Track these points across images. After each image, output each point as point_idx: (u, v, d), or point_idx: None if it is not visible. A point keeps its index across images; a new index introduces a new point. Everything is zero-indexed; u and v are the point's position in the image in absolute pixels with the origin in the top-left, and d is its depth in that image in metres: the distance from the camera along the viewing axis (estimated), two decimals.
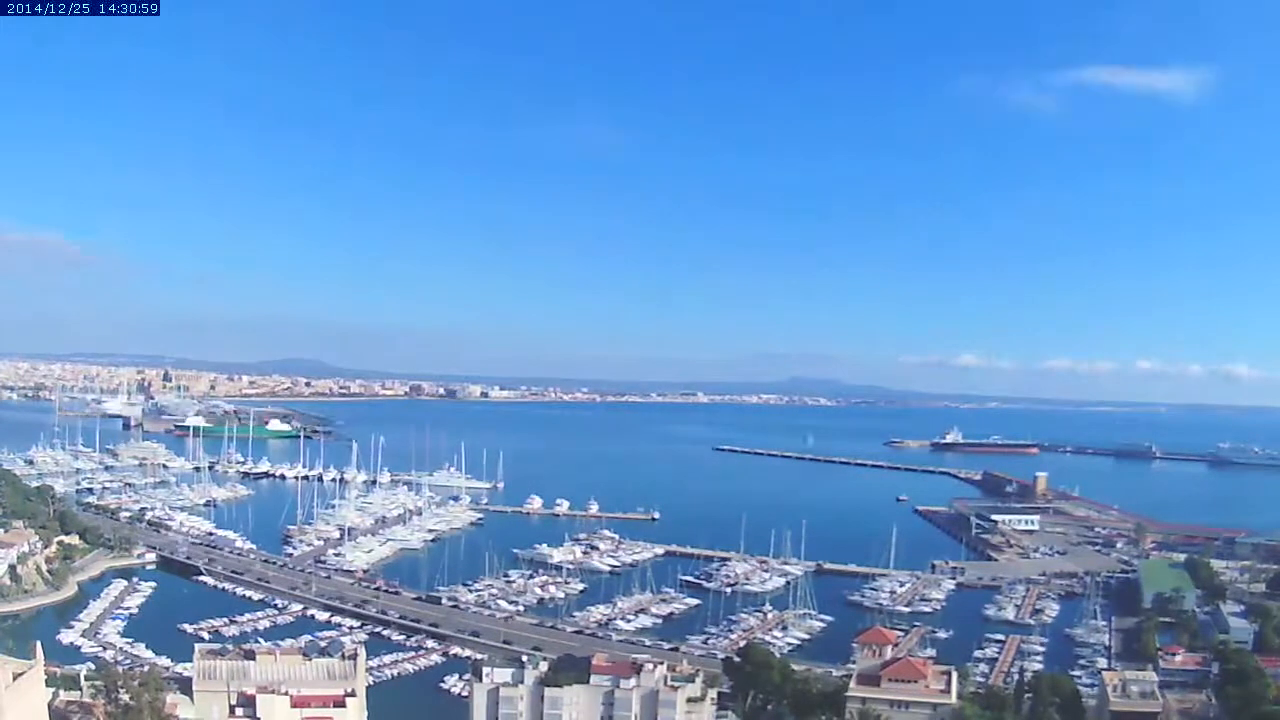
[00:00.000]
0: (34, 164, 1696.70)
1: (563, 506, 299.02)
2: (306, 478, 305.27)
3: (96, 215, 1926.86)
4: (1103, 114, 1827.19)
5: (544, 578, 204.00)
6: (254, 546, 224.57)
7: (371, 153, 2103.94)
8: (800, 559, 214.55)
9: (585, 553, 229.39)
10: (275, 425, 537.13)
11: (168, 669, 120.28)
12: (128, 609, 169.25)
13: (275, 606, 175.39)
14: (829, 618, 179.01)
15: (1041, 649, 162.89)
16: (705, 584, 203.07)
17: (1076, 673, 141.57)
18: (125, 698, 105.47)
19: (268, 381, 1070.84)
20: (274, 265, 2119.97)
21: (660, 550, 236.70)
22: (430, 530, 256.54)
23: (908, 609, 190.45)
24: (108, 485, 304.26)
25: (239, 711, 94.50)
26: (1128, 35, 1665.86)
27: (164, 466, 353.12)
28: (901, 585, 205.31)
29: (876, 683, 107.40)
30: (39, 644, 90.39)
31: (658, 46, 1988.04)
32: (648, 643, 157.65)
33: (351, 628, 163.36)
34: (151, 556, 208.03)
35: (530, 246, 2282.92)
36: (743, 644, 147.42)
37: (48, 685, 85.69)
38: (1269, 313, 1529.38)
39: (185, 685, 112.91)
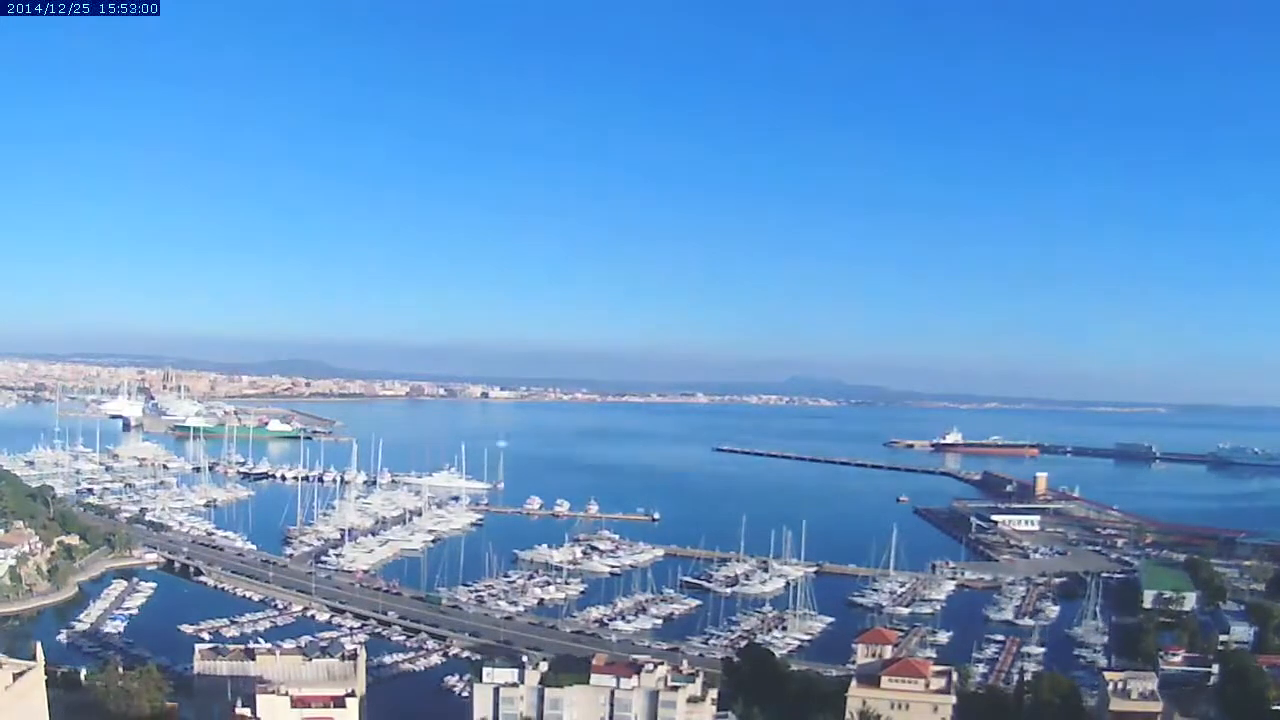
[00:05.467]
0: (33, 163, 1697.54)
1: (563, 507, 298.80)
2: (306, 478, 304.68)
3: (98, 214, 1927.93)
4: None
5: (544, 578, 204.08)
6: (254, 547, 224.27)
7: (369, 150, 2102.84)
8: (800, 560, 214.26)
9: (585, 553, 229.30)
10: (275, 426, 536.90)
11: (168, 669, 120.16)
12: (128, 609, 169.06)
13: (275, 606, 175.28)
14: (829, 618, 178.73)
15: (1041, 649, 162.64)
16: (705, 585, 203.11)
17: (1076, 673, 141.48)
18: (125, 698, 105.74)
19: (268, 382, 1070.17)
20: (274, 265, 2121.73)
21: (660, 551, 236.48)
22: (430, 531, 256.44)
23: (908, 610, 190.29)
24: (108, 486, 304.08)
25: (239, 712, 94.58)
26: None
27: (164, 467, 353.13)
28: (901, 586, 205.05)
29: (876, 683, 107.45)
30: (39, 644, 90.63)
31: (652, 45, 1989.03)
32: (648, 643, 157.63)
33: (352, 628, 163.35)
34: (152, 557, 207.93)
35: (529, 246, 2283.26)
36: (743, 645, 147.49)
37: (48, 685, 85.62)
38: None
39: (185, 685, 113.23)
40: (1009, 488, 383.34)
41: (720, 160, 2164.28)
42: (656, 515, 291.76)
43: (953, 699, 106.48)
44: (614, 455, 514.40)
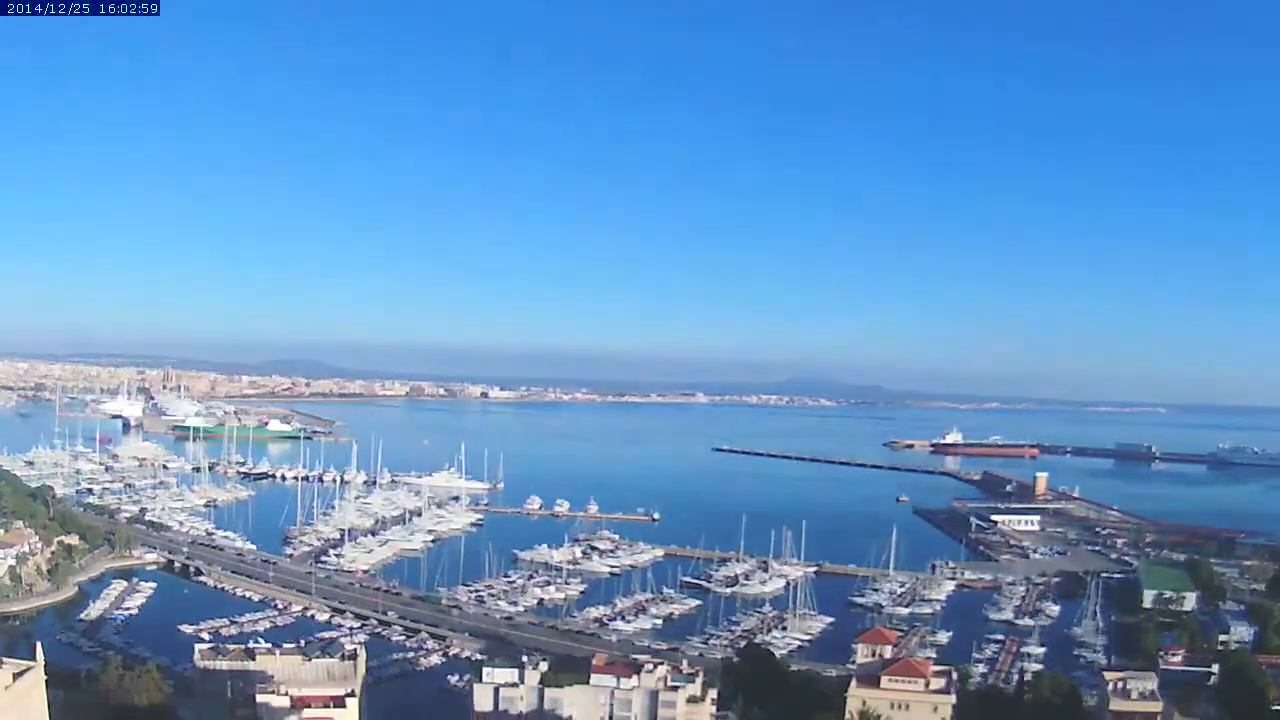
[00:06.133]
0: (33, 163, 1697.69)
1: (563, 507, 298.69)
2: (306, 478, 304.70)
3: (98, 214, 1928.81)
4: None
5: (544, 578, 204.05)
6: (254, 547, 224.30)
7: (369, 151, 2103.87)
8: (800, 560, 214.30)
9: (585, 554, 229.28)
10: (275, 426, 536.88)
11: (168, 669, 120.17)
12: (128, 609, 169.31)
13: (275, 606, 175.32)
14: (829, 618, 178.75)
15: (1041, 649, 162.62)
16: (705, 585, 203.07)
17: (1076, 673, 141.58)
18: (125, 698, 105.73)
19: (268, 382, 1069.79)
20: (274, 265, 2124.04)
21: (660, 551, 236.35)
22: (430, 531, 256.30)
23: (908, 610, 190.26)
24: (108, 486, 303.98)
25: (239, 712, 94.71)
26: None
27: (164, 467, 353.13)
28: (901, 586, 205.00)
29: (876, 683, 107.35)
30: (39, 644, 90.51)
31: (652, 49, 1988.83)
32: (648, 643, 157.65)
33: (352, 628, 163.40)
34: (152, 557, 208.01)
35: (529, 246, 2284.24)
36: (743, 645, 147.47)
37: (48, 685, 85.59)
38: None
39: (185, 685, 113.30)
40: (1009, 488, 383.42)
41: (720, 162, 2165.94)
42: (656, 515, 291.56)
43: (953, 699, 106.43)
44: (613, 454, 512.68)
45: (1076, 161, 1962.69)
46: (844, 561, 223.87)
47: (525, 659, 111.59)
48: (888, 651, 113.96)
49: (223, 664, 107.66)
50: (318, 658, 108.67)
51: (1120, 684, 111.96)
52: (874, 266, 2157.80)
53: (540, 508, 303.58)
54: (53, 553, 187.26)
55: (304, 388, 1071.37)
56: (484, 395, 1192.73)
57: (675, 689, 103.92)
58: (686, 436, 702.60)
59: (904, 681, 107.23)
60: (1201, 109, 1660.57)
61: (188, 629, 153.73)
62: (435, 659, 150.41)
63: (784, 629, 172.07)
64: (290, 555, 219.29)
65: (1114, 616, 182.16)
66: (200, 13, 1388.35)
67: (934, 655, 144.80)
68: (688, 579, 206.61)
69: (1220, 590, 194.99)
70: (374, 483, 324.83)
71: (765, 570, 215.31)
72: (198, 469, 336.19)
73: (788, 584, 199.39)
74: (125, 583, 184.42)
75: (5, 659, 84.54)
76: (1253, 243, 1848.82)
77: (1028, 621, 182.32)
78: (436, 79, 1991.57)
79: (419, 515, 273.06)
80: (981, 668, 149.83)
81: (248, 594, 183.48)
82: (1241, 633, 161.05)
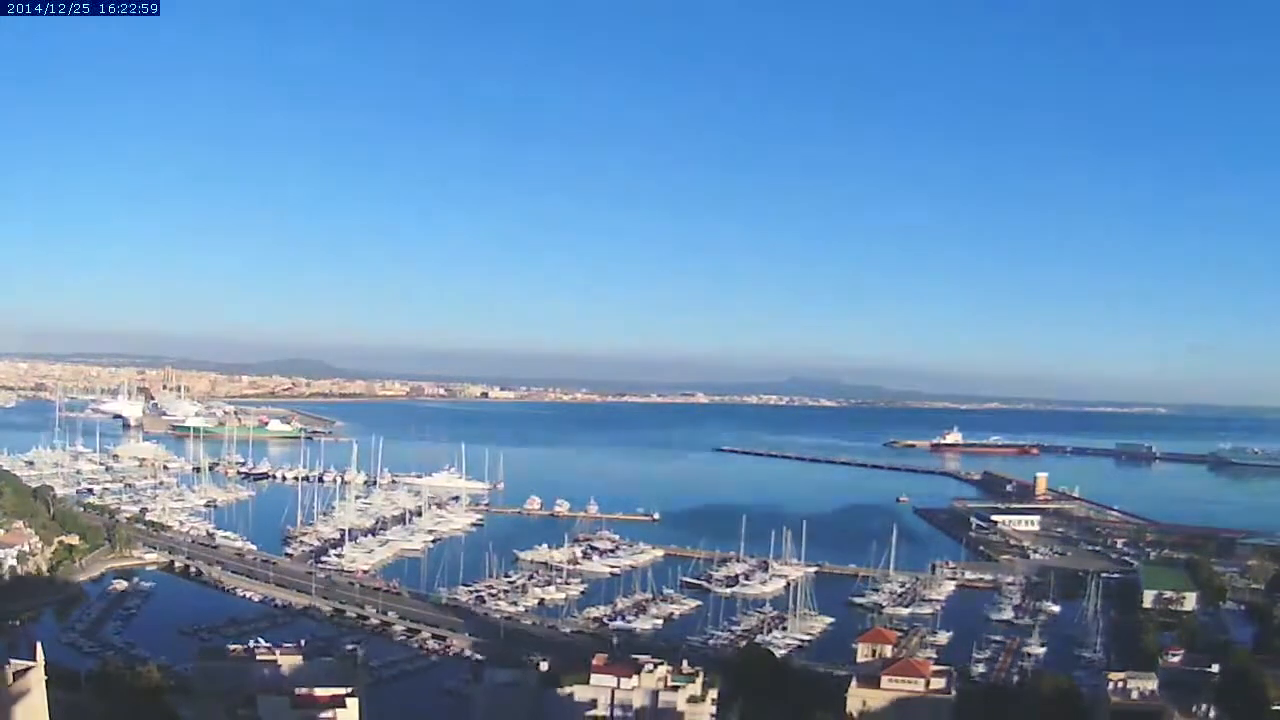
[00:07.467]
0: (33, 163, 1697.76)
1: (563, 507, 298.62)
2: (307, 479, 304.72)
3: (97, 214, 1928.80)
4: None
5: (544, 578, 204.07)
6: (254, 547, 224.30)
7: (370, 151, 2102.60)
8: (801, 560, 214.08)
9: (585, 554, 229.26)
10: (275, 426, 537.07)
11: (168, 669, 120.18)
12: (128, 609, 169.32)
13: (275, 606, 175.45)
14: (829, 618, 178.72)
15: (1041, 649, 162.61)
16: (705, 585, 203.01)
17: (1076, 673, 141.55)
18: (125, 698, 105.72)
19: (268, 382, 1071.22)
20: (274, 265, 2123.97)
21: (660, 551, 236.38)
22: (430, 531, 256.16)
23: (908, 610, 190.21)
24: (108, 486, 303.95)
25: (239, 712, 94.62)
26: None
27: (164, 467, 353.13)
28: (901, 586, 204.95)
29: (876, 683, 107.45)
30: (39, 644, 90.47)
31: (652, 53, 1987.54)
32: (648, 643, 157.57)
33: (352, 628, 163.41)
34: (152, 557, 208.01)
35: (529, 248, 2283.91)
36: (743, 644, 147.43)
37: (48, 685, 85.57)
38: None
39: (185, 685, 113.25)
40: (1009, 488, 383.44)
41: (719, 161, 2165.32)
42: (656, 515, 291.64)
43: (953, 699, 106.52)
44: (613, 455, 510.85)
45: (1075, 161, 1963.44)
46: (844, 561, 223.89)
47: (525, 659, 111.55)
48: (888, 651, 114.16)
49: (223, 664, 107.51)
50: (318, 658, 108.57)
51: (1120, 684, 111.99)
52: (874, 267, 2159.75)
53: (540, 508, 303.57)
54: (53, 553, 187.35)
55: (304, 388, 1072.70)
56: (484, 395, 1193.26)
57: (675, 689, 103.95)
58: (686, 436, 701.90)
59: (904, 681, 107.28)
60: (1201, 109, 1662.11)
61: (188, 629, 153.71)
62: (435, 659, 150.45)
63: (784, 629, 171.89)
64: (290, 555, 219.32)
65: (1114, 616, 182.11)
66: (200, 13, 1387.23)
67: (934, 655, 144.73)
68: (688, 579, 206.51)
69: (1220, 590, 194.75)
70: (374, 483, 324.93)
71: (765, 570, 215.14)
72: (198, 469, 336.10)
73: (788, 584, 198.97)
74: (125, 582, 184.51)
75: (5, 659, 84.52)
76: (1254, 243, 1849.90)
77: (1028, 621, 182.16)
78: (434, 79, 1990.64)
79: (419, 515, 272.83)
80: (981, 668, 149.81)
81: (248, 594, 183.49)
82: (1241, 633, 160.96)
